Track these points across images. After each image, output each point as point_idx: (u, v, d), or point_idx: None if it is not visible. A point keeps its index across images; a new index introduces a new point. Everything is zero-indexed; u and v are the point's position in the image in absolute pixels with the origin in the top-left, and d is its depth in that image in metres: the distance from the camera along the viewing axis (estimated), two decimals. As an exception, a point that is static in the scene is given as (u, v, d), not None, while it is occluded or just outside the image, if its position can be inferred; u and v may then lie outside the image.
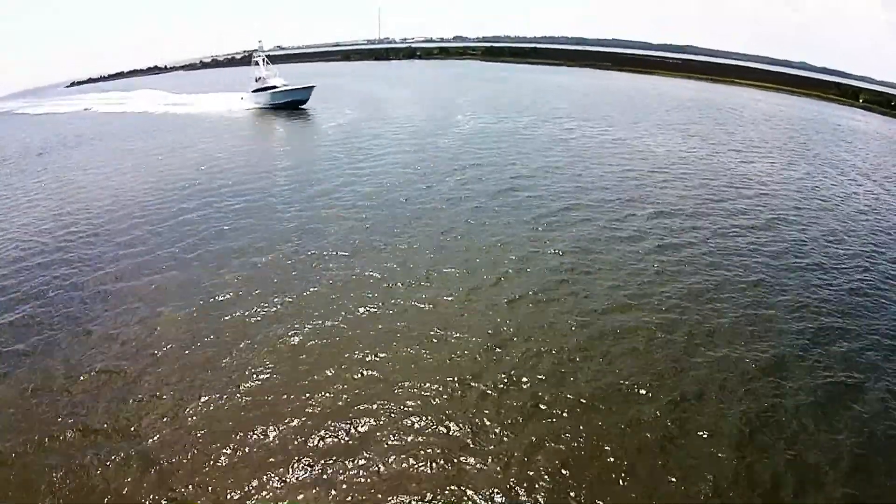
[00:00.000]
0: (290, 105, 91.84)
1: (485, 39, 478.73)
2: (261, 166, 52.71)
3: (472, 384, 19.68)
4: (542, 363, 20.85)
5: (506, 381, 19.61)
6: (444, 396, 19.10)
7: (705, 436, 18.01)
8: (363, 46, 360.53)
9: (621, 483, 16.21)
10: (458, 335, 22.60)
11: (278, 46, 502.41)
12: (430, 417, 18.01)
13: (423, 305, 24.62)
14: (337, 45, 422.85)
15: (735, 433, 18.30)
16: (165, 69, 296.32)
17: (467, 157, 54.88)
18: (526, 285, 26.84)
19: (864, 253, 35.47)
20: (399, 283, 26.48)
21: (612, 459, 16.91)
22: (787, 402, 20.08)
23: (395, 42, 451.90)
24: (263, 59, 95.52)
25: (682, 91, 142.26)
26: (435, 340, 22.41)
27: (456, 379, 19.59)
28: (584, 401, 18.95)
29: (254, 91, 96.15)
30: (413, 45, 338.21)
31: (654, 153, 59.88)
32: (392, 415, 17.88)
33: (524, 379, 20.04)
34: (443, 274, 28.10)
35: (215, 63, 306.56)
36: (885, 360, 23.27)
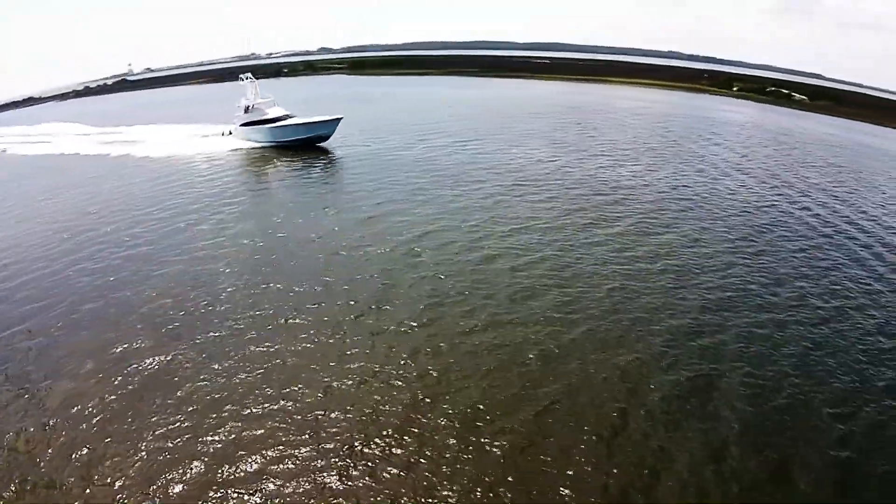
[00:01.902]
0: (305, 143, 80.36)
1: (350, 49, 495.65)
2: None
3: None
4: (414, 382, 24.21)
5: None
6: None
7: (569, 432, 20.99)
8: (232, 65, 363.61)
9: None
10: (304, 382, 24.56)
11: (148, 69, 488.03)
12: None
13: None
14: (206, 64, 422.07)
15: (599, 427, 21.59)
16: (40, 100, 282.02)
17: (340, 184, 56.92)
18: (399, 314, 30.77)
19: (728, 250, 41.72)
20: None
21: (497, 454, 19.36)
22: (649, 398, 23.76)
23: (261, 57, 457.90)
24: (251, 81, 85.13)
25: (550, 94, 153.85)
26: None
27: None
28: (454, 421, 22.53)
29: (245, 124, 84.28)
30: (279, 61, 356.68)
31: (516, 165, 65.60)
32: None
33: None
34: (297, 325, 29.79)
35: (87, 91, 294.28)
36: (742, 351, 28.22)
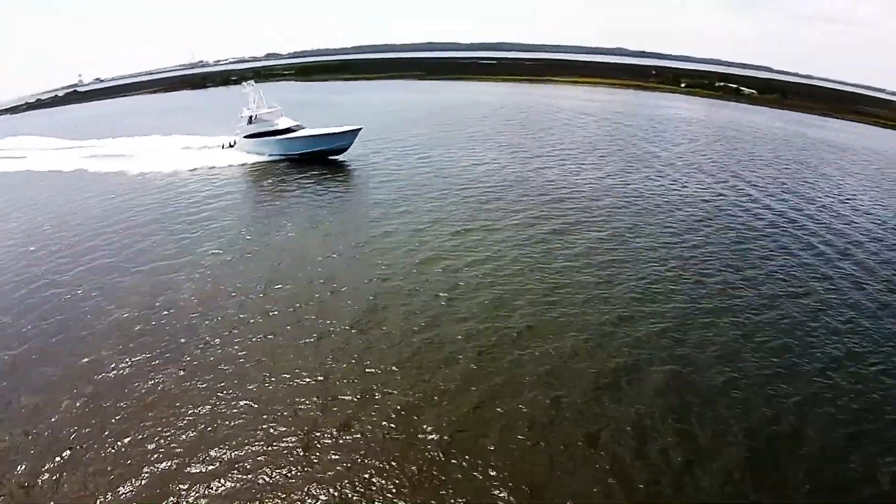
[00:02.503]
0: (317, 156, 77.63)
1: (296, 55, 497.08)
2: None
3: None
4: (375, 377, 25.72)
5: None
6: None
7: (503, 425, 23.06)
8: (180, 73, 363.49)
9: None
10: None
11: (98, 79, 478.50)
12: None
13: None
14: (155, 73, 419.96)
15: (532, 417, 23.82)
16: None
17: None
18: (345, 316, 32.99)
19: (656, 246, 44.65)
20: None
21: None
22: (573, 391, 26.03)
23: (209, 65, 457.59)
24: (254, 89, 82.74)
25: (496, 97, 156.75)
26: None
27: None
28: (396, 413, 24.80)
29: (250, 136, 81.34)
30: (227, 69, 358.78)
31: (458, 168, 68.93)
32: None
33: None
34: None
35: (40, 103, 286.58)
36: (665, 340, 30.94)
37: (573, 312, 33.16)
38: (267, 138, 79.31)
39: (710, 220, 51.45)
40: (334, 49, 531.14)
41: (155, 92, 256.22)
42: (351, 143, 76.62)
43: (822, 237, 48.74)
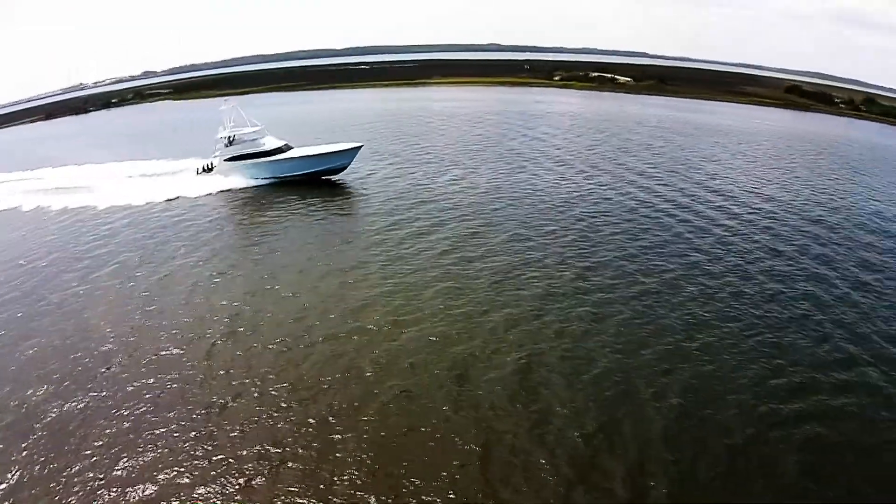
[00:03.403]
0: (313, 177, 75.97)
1: (174, 70, 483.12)
2: None
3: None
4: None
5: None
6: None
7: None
8: (61, 97, 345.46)
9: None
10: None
11: None
12: None
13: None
14: (35, 100, 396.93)
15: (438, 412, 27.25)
16: None
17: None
18: (259, 334, 33.94)
19: (546, 243, 49.87)
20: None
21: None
22: (479, 383, 30.09)
23: (89, 86, 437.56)
24: (232, 107, 78.64)
25: (368, 103, 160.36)
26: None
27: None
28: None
29: (232, 159, 76.83)
30: (107, 90, 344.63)
31: (334, 180, 73.88)
32: None
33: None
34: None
35: None
36: (561, 331, 35.89)
37: (468, 313, 37.26)
38: (255, 161, 76.16)
39: (588, 215, 57.06)
40: (212, 62, 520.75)
41: (36, 120, 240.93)
42: (350, 162, 76.07)
43: (687, 219, 56.05)
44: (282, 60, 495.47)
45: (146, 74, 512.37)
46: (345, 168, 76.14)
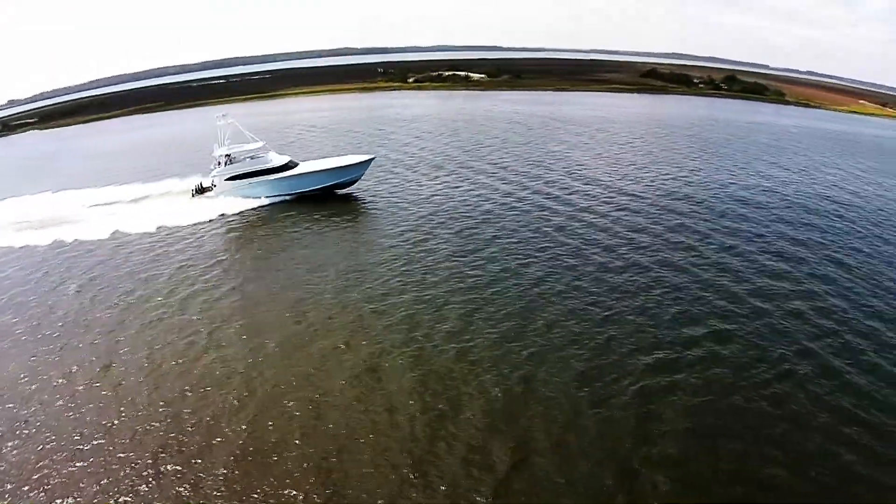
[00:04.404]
0: (325, 192, 71.98)
1: (35, 98, 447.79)
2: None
3: None
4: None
5: None
6: None
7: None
8: None
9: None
10: None
11: None
12: None
13: None
14: None
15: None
16: None
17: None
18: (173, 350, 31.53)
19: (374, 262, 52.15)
20: None
21: None
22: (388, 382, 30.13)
23: None
24: (228, 123, 72.56)
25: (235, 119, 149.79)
26: None
27: None
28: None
29: (234, 178, 71.13)
30: None
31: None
32: None
33: None
34: None
35: None
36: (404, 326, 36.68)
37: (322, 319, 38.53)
38: (262, 178, 71.32)
39: (433, 214, 59.03)
40: (74, 86, 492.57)
41: None
42: (362, 175, 73.67)
43: (545, 217, 57.69)
44: (143, 79, 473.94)
45: (10, 104, 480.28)
46: (356, 181, 73.88)
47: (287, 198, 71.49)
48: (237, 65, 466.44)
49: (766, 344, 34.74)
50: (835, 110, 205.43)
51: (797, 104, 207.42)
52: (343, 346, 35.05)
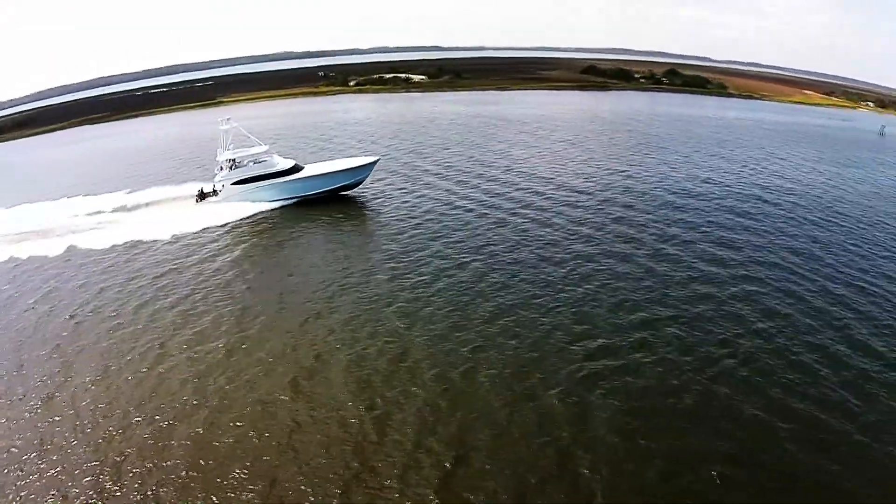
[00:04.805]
0: (330, 194, 72.05)
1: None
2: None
3: None
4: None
5: None
6: None
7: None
8: None
9: None
10: None
11: None
12: None
13: None
14: None
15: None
16: None
17: None
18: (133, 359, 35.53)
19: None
20: None
21: None
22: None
23: None
24: (233, 127, 72.03)
25: (162, 131, 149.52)
26: None
27: None
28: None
29: (241, 182, 70.36)
30: None
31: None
32: None
33: None
34: None
35: None
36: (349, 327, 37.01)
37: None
38: (269, 182, 71.13)
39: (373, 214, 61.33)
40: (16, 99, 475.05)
41: None
42: (367, 177, 74.40)
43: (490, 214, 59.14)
44: (85, 90, 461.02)
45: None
46: (361, 183, 74.28)
47: (293, 201, 71.92)
48: (177, 72, 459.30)
49: (706, 327, 36.43)
50: (780, 101, 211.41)
51: (740, 96, 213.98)
52: (290, 351, 35.17)
